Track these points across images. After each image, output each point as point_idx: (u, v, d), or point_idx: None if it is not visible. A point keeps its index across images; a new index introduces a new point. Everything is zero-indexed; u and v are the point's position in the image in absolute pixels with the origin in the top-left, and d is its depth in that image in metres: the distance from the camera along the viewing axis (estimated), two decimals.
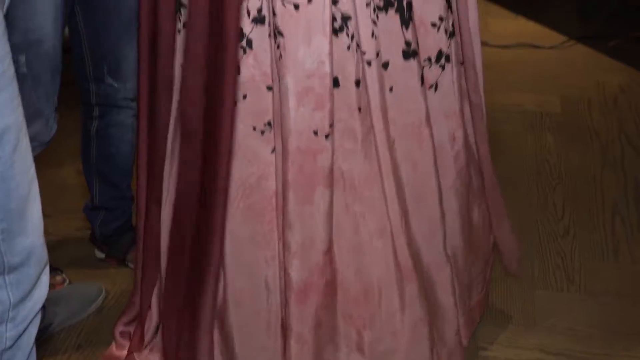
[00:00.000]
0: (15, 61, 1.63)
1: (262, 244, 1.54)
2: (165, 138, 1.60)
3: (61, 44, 1.74)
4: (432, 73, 1.57)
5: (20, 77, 1.65)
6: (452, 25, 1.59)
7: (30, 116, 1.71)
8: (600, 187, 2.42)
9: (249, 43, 1.46)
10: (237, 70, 1.45)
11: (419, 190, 1.57)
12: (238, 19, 1.42)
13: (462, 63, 1.64)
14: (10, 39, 1.58)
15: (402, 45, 1.50)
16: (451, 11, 1.59)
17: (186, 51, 1.48)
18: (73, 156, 2.36)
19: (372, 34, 1.46)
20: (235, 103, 1.47)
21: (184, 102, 1.52)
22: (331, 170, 1.50)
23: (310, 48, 1.43)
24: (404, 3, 1.48)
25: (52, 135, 1.80)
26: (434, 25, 1.55)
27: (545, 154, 2.59)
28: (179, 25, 1.54)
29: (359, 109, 1.50)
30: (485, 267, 1.80)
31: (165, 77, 1.57)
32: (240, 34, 1.44)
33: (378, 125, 1.51)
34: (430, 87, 1.57)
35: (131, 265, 2.00)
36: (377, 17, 1.47)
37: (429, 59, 1.56)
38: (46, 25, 1.67)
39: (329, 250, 1.53)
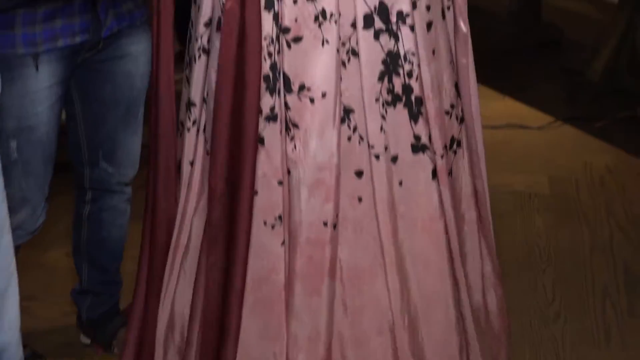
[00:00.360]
0: (7, 146, 1.65)
1: (271, 338, 1.53)
2: (167, 234, 1.61)
3: (57, 133, 1.74)
4: (448, 160, 1.59)
5: (11, 163, 1.66)
6: (461, 110, 1.63)
7: (17, 203, 1.71)
8: (590, 271, 2.42)
9: (261, 141, 1.49)
10: (254, 169, 1.48)
11: (430, 292, 1.56)
12: (257, 124, 1.45)
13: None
14: (3, 124, 1.60)
15: (411, 140, 1.52)
16: (460, 98, 1.62)
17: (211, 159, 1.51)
18: (63, 239, 2.35)
19: (381, 128, 1.49)
20: (252, 203, 1.49)
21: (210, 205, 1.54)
22: (335, 260, 1.51)
23: (322, 140, 1.47)
24: (412, 97, 1.51)
25: (39, 225, 1.78)
26: (447, 113, 1.58)
27: (535, 236, 2.60)
28: (188, 124, 1.58)
29: (359, 199, 1.51)
30: (509, 352, 1.78)
31: (166, 172, 1.59)
32: None
33: (383, 218, 1.52)
34: (448, 174, 1.59)
35: (117, 351, 1.97)
36: (386, 111, 1.49)
37: (445, 147, 1.58)
38: (41, 113, 1.68)
39: (328, 343, 1.52)
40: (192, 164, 1.59)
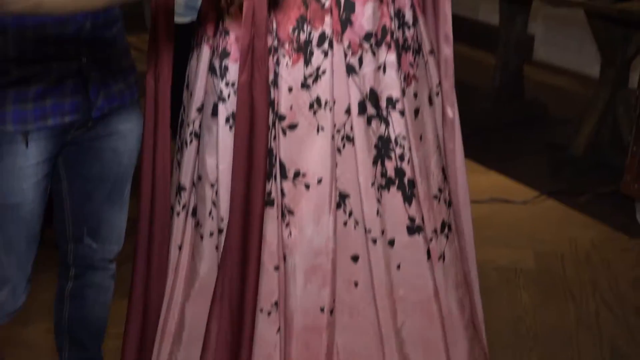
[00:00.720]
0: None
1: None
2: (158, 319, 1.58)
3: (42, 211, 1.72)
4: (439, 244, 1.60)
5: None
6: (449, 194, 1.64)
7: None
8: (576, 348, 2.40)
9: None
10: (260, 255, 1.46)
11: None
12: (263, 208, 1.43)
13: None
14: None
15: (406, 222, 1.53)
16: (447, 182, 1.64)
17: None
18: (43, 314, 2.31)
19: (377, 212, 1.49)
20: (257, 294, 1.47)
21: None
22: (332, 346, 1.50)
23: (318, 226, 1.46)
24: (405, 180, 1.52)
25: (19, 306, 1.74)
26: (435, 197, 1.59)
27: (521, 313, 2.59)
28: (178, 208, 1.57)
29: (355, 284, 1.50)
30: None
31: (159, 262, 1.58)
32: None
33: (382, 302, 1.51)
34: (439, 258, 1.59)
35: None
36: (381, 195, 1.50)
37: (435, 231, 1.59)
38: (27, 190, 1.66)
39: None
40: (180, 248, 1.58)
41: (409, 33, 1.51)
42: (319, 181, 1.46)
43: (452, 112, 1.61)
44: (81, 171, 1.81)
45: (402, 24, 1.50)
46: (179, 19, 1.68)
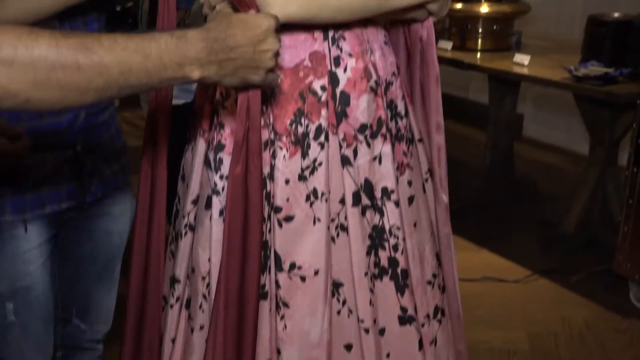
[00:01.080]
0: (3, 308, 1.62)
1: None
2: None
3: (54, 291, 1.71)
4: (432, 329, 1.58)
5: (8, 326, 1.63)
6: (443, 279, 1.63)
7: None
8: None
9: None
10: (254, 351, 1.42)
11: None
12: (257, 303, 1.41)
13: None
14: None
15: (398, 312, 1.51)
16: (441, 267, 1.63)
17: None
18: None
19: (370, 302, 1.48)
20: None
21: None
22: None
23: (315, 319, 1.45)
24: (398, 270, 1.51)
25: None
26: (429, 282, 1.59)
27: None
28: (172, 300, 1.56)
29: None
30: None
31: (150, 350, 1.56)
32: None
33: None
34: (431, 343, 1.58)
35: None
36: (374, 284, 1.49)
37: (428, 316, 1.58)
38: (34, 272, 1.67)
39: None
40: (173, 341, 1.56)
41: (402, 123, 1.53)
42: (316, 273, 1.45)
43: (446, 198, 1.63)
44: (74, 251, 1.81)
45: (395, 115, 1.53)
46: (173, 101, 1.70)
